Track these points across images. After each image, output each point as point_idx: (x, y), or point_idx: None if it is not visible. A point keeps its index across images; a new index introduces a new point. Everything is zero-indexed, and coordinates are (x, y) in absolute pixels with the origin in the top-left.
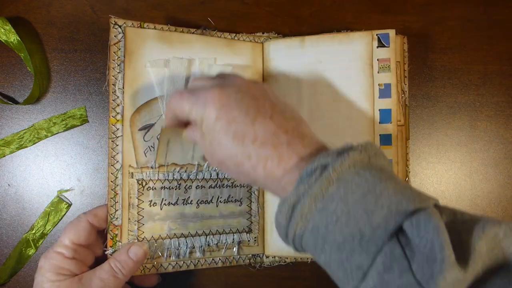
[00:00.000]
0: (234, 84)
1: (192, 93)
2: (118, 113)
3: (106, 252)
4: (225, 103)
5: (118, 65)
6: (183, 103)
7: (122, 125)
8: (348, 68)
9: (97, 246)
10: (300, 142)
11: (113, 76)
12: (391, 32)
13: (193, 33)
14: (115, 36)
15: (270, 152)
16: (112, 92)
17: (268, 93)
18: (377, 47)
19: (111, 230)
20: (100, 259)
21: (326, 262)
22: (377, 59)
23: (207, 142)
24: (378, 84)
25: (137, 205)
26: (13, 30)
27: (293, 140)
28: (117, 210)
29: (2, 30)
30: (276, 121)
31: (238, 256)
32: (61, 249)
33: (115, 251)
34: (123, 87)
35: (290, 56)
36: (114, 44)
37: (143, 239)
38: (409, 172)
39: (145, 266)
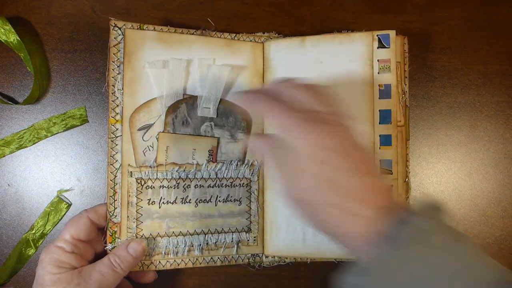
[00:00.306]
0: (332, 123)
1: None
2: (117, 113)
3: (105, 248)
4: (322, 145)
5: (118, 66)
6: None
7: (122, 125)
8: (349, 68)
9: (97, 242)
10: (380, 199)
11: (112, 77)
12: (392, 33)
13: (192, 34)
14: (115, 38)
15: (354, 207)
16: (112, 93)
17: (358, 144)
18: (378, 47)
19: (110, 227)
20: (100, 255)
21: None
22: (377, 60)
23: (288, 175)
24: (378, 85)
25: (136, 203)
26: (13, 30)
27: (375, 197)
28: (116, 208)
29: (2, 30)
30: (364, 177)
31: (237, 256)
32: (61, 244)
33: (114, 247)
34: (122, 88)
35: (291, 56)
36: (114, 46)
37: (142, 236)
38: (409, 172)
39: (143, 263)
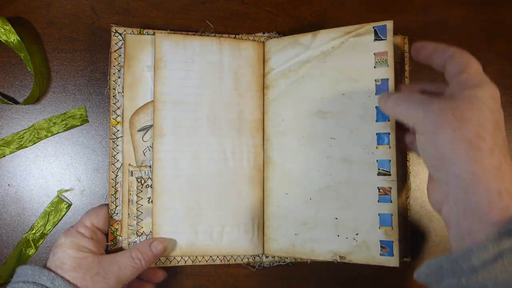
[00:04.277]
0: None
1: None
2: (118, 115)
3: (108, 244)
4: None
5: (118, 70)
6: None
7: (122, 127)
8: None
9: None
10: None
11: (113, 81)
12: (389, 24)
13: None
14: (115, 43)
15: (495, 184)
16: (113, 96)
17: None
18: (374, 40)
19: (111, 225)
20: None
21: None
22: (374, 53)
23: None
24: (375, 80)
25: (136, 202)
26: (13, 30)
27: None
28: (117, 206)
29: (2, 30)
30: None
31: (237, 256)
32: (82, 229)
33: (115, 244)
34: (122, 91)
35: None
36: (115, 51)
37: (142, 233)
38: (409, 172)
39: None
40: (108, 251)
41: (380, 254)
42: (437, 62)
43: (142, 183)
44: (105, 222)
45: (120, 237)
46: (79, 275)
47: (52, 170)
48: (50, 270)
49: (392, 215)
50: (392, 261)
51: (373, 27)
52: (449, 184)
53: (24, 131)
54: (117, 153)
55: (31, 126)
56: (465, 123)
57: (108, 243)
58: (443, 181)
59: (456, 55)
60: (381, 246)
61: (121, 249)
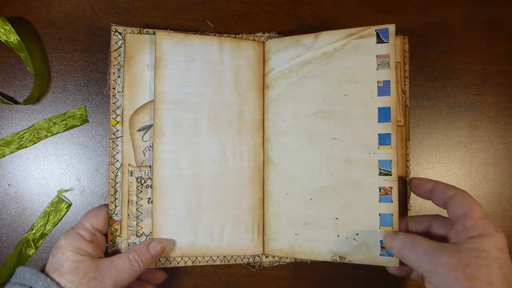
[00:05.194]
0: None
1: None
2: (118, 115)
3: (107, 245)
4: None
5: (118, 70)
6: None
7: (122, 126)
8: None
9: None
10: None
11: (113, 80)
12: (391, 27)
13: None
14: (115, 42)
15: None
16: (112, 96)
17: None
18: (376, 43)
19: (111, 225)
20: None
21: None
22: (376, 56)
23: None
24: (377, 81)
25: (136, 202)
26: (13, 30)
27: None
28: (117, 206)
29: (2, 30)
30: None
31: (237, 256)
32: (82, 231)
33: (115, 246)
34: (122, 91)
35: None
36: (115, 50)
37: (142, 234)
38: (409, 172)
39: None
40: (107, 252)
41: (380, 254)
42: (438, 201)
43: (142, 183)
44: (105, 223)
45: (120, 238)
46: (76, 279)
47: (52, 170)
48: (47, 274)
49: (392, 215)
50: (392, 261)
51: (376, 30)
52: None
53: (24, 131)
54: (117, 153)
55: (31, 126)
56: (475, 283)
57: (108, 244)
58: None
59: (458, 196)
60: (381, 246)
61: (120, 250)
